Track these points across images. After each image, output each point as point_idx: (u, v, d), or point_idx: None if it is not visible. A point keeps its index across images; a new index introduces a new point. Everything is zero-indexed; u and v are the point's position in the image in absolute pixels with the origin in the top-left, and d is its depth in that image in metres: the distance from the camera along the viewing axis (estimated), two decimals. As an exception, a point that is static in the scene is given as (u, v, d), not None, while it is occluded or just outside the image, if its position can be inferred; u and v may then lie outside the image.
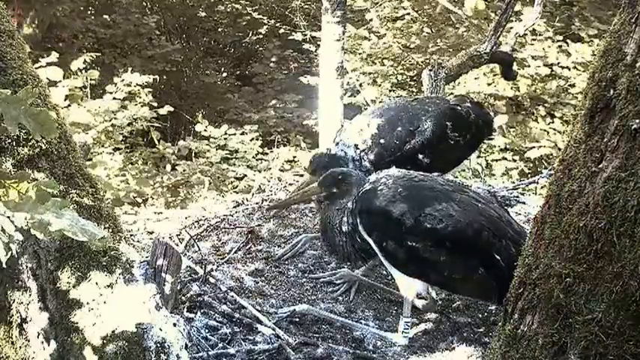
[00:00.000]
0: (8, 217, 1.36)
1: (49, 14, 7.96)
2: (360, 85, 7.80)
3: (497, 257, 2.43)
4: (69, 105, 5.67)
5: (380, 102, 7.18)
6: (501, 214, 2.60)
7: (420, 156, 3.20)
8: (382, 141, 3.21)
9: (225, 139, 7.25)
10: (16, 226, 1.37)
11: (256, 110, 8.90)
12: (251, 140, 7.36)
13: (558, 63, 7.51)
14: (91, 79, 6.21)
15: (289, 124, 8.70)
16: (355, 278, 3.11)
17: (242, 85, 9.86)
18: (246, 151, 7.14)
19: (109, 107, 5.83)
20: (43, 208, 1.41)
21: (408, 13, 8.19)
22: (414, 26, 8.19)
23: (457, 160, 3.46)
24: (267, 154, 7.31)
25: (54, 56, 5.86)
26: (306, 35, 8.27)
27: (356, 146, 3.23)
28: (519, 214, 3.78)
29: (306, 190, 2.86)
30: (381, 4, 8.18)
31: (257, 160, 7.11)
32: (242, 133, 7.56)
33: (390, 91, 8.05)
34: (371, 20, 8.10)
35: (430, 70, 4.83)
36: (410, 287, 2.64)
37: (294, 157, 7.02)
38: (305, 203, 3.32)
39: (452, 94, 7.44)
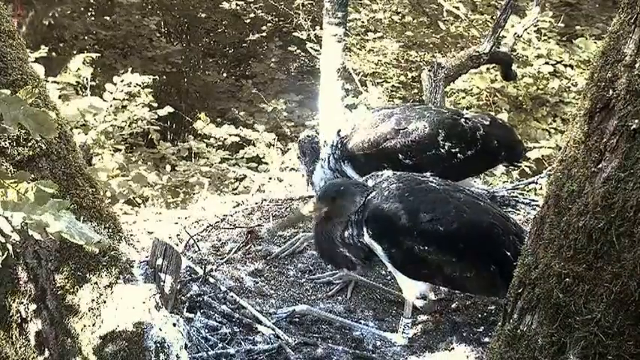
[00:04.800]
0: (6, 217, 1.36)
1: (48, 15, 7.96)
2: (364, 84, 7.80)
3: (508, 253, 2.44)
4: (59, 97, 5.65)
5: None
6: (498, 210, 2.62)
7: (401, 156, 3.14)
8: (362, 132, 3.19)
9: (225, 139, 7.24)
10: (13, 227, 1.37)
11: (257, 110, 8.90)
12: (264, 131, 7.35)
13: (561, 61, 7.50)
14: (91, 80, 6.21)
15: (290, 124, 8.69)
16: (354, 278, 3.11)
17: (242, 85, 9.86)
18: (255, 145, 7.12)
19: (101, 105, 5.79)
20: (42, 210, 1.41)
21: (411, 11, 8.19)
22: (417, 23, 8.18)
23: (456, 174, 3.25)
24: (276, 147, 7.28)
25: (44, 51, 5.85)
26: (309, 34, 8.26)
27: (339, 132, 3.23)
28: (519, 214, 3.78)
29: (311, 210, 2.80)
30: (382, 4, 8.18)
31: (269, 148, 7.07)
32: (252, 124, 7.57)
33: (391, 92, 8.04)
34: (374, 17, 8.10)
35: (429, 71, 4.83)
36: (414, 289, 2.64)
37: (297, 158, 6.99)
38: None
39: (455, 97, 7.45)
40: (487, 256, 2.50)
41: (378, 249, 2.58)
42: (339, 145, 3.20)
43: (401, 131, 3.15)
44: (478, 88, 7.38)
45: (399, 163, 3.09)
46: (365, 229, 2.58)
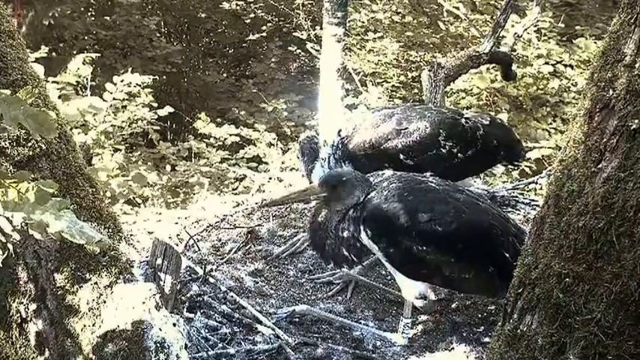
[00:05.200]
0: (7, 217, 1.36)
1: (48, 15, 7.97)
2: (364, 84, 7.80)
3: (507, 254, 2.43)
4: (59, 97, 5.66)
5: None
6: (499, 211, 2.61)
7: (402, 156, 3.14)
8: (363, 132, 3.19)
9: (225, 139, 7.24)
10: (14, 227, 1.37)
11: (257, 110, 8.91)
12: (265, 130, 7.37)
13: (561, 61, 7.50)
14: (91, 81, 6.21)
15: (290, 124, 8.69)
16: (354, 278, 3.11)
17: (242, 85, 9.86)
18: (255, 144, 7.13)
19: (101, 105, 5.79)
20: (42, 210, 1.41)
21: (411, 11, 8.18)
22: (417, 23, 8.18)
23: (457, 174, 3.27)
24: (277, 147, 7.29)
25: (44, 51, 5.85)
26: (309, 34, 8.26)
27: (339, 132, 3.24)
28: (519, 214, 3.78)
29: (306, 190, 2.81)
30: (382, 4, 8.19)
31: (270, 148, 7.08)
32: (253, 124, 7.57)
33: (391, 92, 8.04)
34: (374, 17, 8.10)
35: (430, 71, 4.83)
36: (413, 289, 2.64)
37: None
38: (304, 203, 3.32)
39: (456, 97, 7.46)
40: (485, 257, 2.50)
41: (375, 248, 2.58)
42: (340, 146, 3.20)
43: (402, 131, 3.16)
44: (478, 88, 7.38)
45: (400, 163, 3.10)
46: (362, 228, 2.58)
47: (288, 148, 7.12)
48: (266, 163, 6.72)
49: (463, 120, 3.28)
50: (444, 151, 3.18)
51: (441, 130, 3.18)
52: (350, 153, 3.18)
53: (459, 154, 3.21)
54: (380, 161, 3.02)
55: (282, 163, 6.29)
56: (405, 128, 3.16)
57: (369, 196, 2.61)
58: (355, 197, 2.61)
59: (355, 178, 2.67)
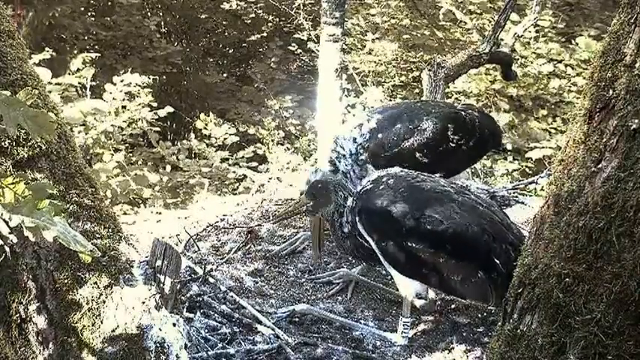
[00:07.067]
0: (4, 219, 1.35)
1: (47, 15, 7.97)
2: (364, 85, 7.80)
3: (497, 261, 2.43)
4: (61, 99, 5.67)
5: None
6: (502, 217, 2.59)
7: (418, 154, 3.20)
8: (380, 136, 3.22)
9: (225, 139, 7.24)
10: (11, 228, 1.36)
11: (258, 110, 8.91)
12: (273, 129, 7.38)
13: (561, 61, 7.51)
14: (91, 81, 6.21)
15: (295, 123, 8.68)
16: (354, 278, 3.12)
17: (242, 85, 9.85)
18: (262, 142, 7.14)
19: (104, 108, 5.80)
20: (39, 214, 1.40)
21: (408, 14, 8.19)
22: (416, 25, 8.19)
23: (459, 165, 3.44)
24: (283, 144, 7.30)
25: (47, 53, 5.85)
26: (310, 34, 8.25)
27: (354, 140, 3.25)
28: (518, 214, 3.78)
29: (298, 202, 2.85)
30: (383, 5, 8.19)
31: (276, 146, 7.09)
32: (259, 121, 7.56)
33: (391, 92, 8.04)
34: (372, 20, 8.11)
35: (430, 71, 4.84)
36: (409, 287, 2.64)
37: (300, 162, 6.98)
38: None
39: (456, 98, 7.47)
40: (474, 261, 2.48)
41: (370, 240, 2.60)
42: (361, 152, 3.23)
43: (415, 130, 3.22)
44: (478, 89, 7.39)
45: (415, 162, 3.14)
46: (358, 220, 2.61)
47: (295, 147, 7.14)
48: (268, 161, 6.72)
49: (462, 113, 3.38)
50: (452, 144, 3.27)
51: (449, 125, 3.27)
52: (371, 158, 3.21)
53: (463, 147, 3.30)
54: (398, 162, 3.04)
55: (288, 162, 6.28)
56: (417, 126, 3.22)
57: (365, 188, 2.65)
58: (333, 202, 2.69)
59: (331, 183, 2.75)
